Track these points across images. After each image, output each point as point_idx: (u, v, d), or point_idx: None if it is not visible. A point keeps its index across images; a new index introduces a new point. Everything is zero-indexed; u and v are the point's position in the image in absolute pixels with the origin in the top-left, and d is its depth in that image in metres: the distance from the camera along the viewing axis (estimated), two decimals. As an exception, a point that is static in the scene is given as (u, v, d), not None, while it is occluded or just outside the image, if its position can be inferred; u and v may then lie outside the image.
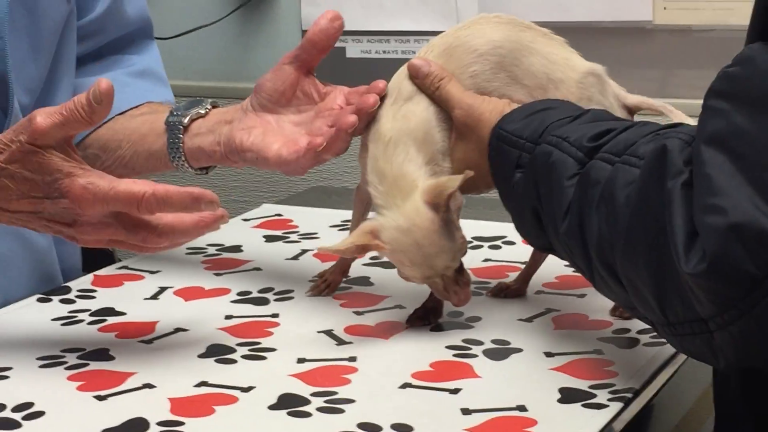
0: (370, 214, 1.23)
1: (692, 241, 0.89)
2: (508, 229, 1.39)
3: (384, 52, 2.07)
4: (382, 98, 1.22)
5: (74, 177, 1.12)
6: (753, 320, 0.87)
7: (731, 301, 0.87)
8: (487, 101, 1.20)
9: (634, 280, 0.96)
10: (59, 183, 1.12)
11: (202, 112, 1.37)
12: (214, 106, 1.38)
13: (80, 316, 1.30)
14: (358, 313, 1.28)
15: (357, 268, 1.36)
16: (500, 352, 1.17)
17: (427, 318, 1.24)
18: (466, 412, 1.04)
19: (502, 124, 1.14)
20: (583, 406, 1.04)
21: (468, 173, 1.14)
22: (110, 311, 1.31)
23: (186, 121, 1.36)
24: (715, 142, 0.89)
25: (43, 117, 1.12)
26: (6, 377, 1.14)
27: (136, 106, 1.49)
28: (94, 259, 1.55)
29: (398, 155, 1.18)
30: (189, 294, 1.37)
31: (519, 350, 1.17)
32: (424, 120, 1.20)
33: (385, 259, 1.25)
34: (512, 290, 1.32)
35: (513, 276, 1.38)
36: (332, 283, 1.33)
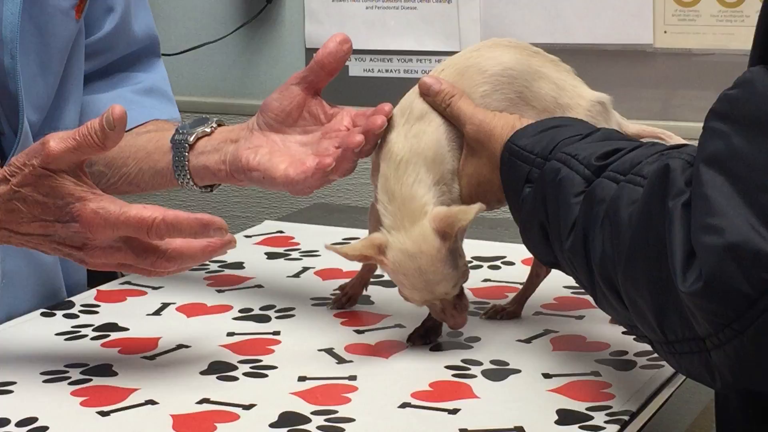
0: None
1: (690, 261, 0.90)
2: (507, 249, 1.40)
3: (387, 71, 2.08)
4: (390, 119, 1.23)
5: (85, 201, 1.14)
6: (747, 340, 0.89)
7: (726, 321, 0.89)
8: (499, 116, 1.21)
9: (634, 297, 0.97)
10: (70, 207, 1.14)
11: (208, 130, 1.37)
12: (219, 125, 1.39)
13: (83, 331, 1.32)
14: (358, 332, 1.29)
15: (358, 287, 1.37)
16: (499, 372, 1.18)
17: (427, 337, 1.25)
18: (464, 432, 1.05)
19: (514, 139, 1.16)
20: (580, 428, 1.06)
21: (482, 207, 1.15)
22: (113, 326, 1.33)
23: (191, 139, 1.37)
24: (714, 163, 0.90)
25: (56, 141, 1.13)
26: (10, 392, 1.15)
27: (142, 124, 1.50)
28: (99, 274, 1.56)
29: (409, 176, 1.19)
30: (191, 310, 1.38)
31: (517, 371, 1.19)
32: (434, 140, 1.21)
33: (387, 277, 1.27)
34: (508, 312, 1.33)
35: (511, 297, 1.39)
36: (353, 296, 1.35)
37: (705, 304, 0.89)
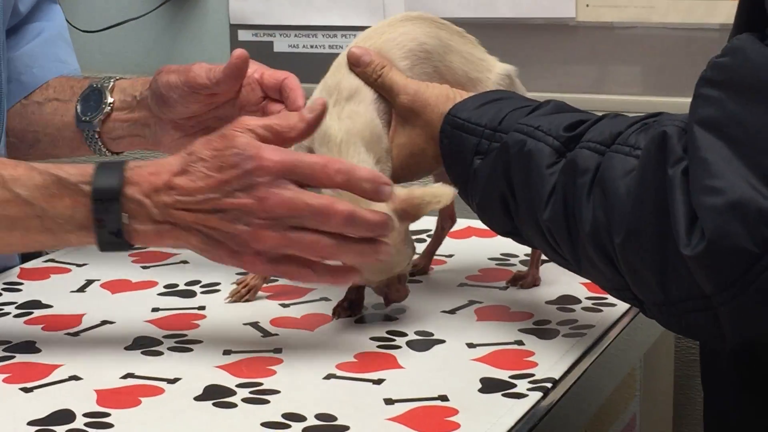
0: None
1: (693, 225, 0.93)
2: (433, 222, 1.41)
3: (312, 46, 2.08)
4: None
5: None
6: (752, 296, 0.92)
7: (731, 279, 0.92)
8: (432, 87, 1.22)
9: (635, 264, 0.99)
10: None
11: (108, 109, 1.40)
12: (113, 88, 1.41)
13: (6, 309, 1.31)
14: (284, 306, 1.30)
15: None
16: (423, 343, 1.19)
17: (351, 309, 1.26)
18: (388, 402, 1.05)
19: (455, 111, 1.17)
20: (504, 395, 1.07)
21: (455, 191, 1.15)
22: (37, 304, 1.32)
23: (96, 124, 1.40)
24: (710, 128, 0.94)
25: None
26: (-69, 370, 1.14)
27: (45, 83, 1.50)
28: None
29: (352, 158, 1.18)
30: (116, 287, 1.38)
31: (442, 341, 1.19)
32: (369, 119, 1.21)
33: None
34: (418, 269, 1.36)
35: (437, 269, 1.40)
36: (254, 287, 1.31)
37: (709, 264, 0.92)
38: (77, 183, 1.13)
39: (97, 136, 1.41)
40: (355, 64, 1.22)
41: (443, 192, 1.15)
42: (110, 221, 1.12)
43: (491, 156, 1.13)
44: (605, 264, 1.03)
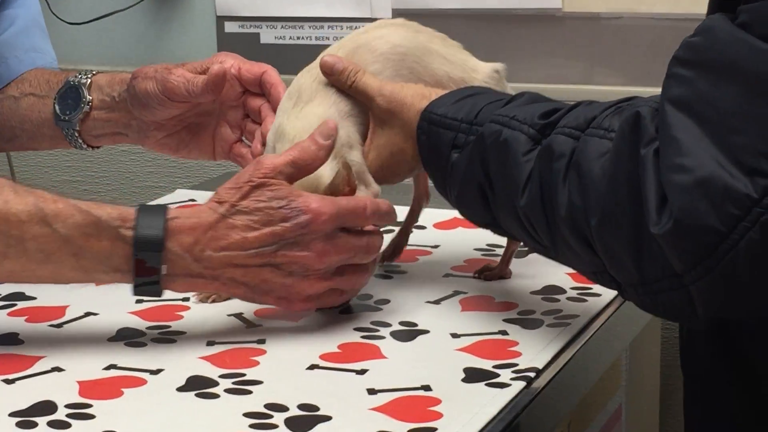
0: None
1: (663, 204, 0.94)
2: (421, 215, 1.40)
3: (298, 38, 2.07)
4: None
5: (306, 197, 1.15)
6: (720, 274, 0.92)
7: (698, 258, 0.92)
8: (407, 87, 1.23)
9: (611, 245, 0.99)
10: (294, 202, 1.14)
11: (87, 108, 1.40)
12: (90, 84, 1.41)
13: (-10, 301, 1.30)
14: (268, 297, 1.29)
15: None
16: (407, 333, 1.19)
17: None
18: (371, 392, 1.05)
19: (431, 108, 1.18)
20: (487, 385, 1.07)
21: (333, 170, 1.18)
22: (20, 296, 1.31)
23: (76, 123, 1.41)
24: (680, 107, 0.95)
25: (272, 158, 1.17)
26: None
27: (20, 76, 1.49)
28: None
29: None
30: (100, 278, 1.37)
31: (426, 332, 1.19)
32: (326, 118, 1.21)
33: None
34: (395, 247, 1.37)
35: (423, 259, 1.40)
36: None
37: (676, 242, 0.93)
38: (117, 228, 1.12)
39: (77, 134, 1.42)
40: (329, 73, 1.23)
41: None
42: (149, 270, 1.12)
43: (468, 149, 1.13)
44: (582, 247, 1.03)
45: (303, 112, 1.22)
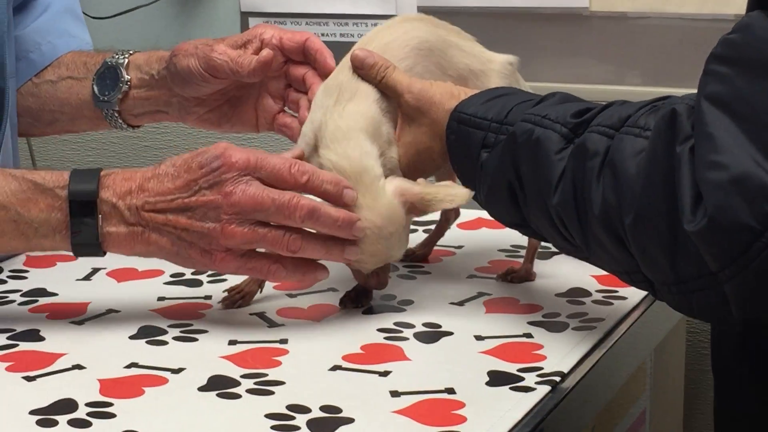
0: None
1: (698, 202, 0.93)
2: (437, 213, 1.39)
3: (323, 35, 2.06)
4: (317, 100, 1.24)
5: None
6: (754, 273, 0.92)
7: (733, 256, 0.92)
8: (436, 85, 1.22)
9: (645, 244, 0.99)
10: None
11: (126, 87, 1.39)
12: (128, 63, 1.41)
13: (11, 296, 1.30)
14: (290, 296, 1.28)
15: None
16: (431, 335, 1.18)
17: (358, 300, 1.25)
18: (395, 394, 1.04)
19: (461, 108, 1.17)
20: (511, 389, 1.05)
21: (471, 193, 1.16)
22: (42, 292, 1.31)
23: (115, 103, 1.41)
24: (717, 104, 0.94)
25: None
26: (-66, 357, 1.13)
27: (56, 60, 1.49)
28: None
29: (353, 150, 1.18)
30: (122, 275, 1.36)
31: (450, 333, 1.18)
32: (370, 116, 1.21)
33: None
34: (417, 255, 1.37)
35: (446, 260, 1.39)
36: (248, 294, 1.27)
37: (711, 239, 0.92)
38: (53, 188, 1.16)
39: (117, 114, 1.42)
40: (359, 67, 1.22)
41: (459, 192, 1.16)
42: (85, 224, 1.15)
43: (498, 148, 1.13)
44: (615, 246, 1.02)
45: (346, 111, 1.20)
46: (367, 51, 1.23)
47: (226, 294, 1.26)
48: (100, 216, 1.15)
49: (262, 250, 1.16)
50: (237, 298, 1.26)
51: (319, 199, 1.16)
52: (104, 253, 1.18)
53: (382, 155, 1.20)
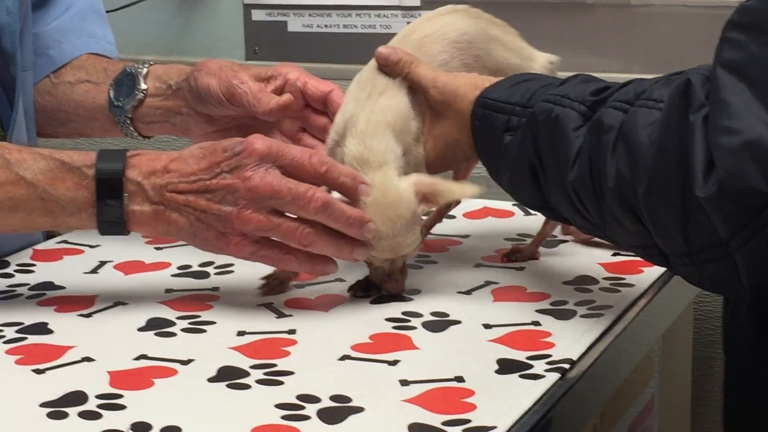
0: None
1: (710, 169, 0.94)
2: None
3: (326, 26, 2.06)
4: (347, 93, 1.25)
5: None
6: (764, 239, 0.92)
7: (744, 221, 0.92)
8: (460, 76, 1.23)
9: (658, 214, 0.99)
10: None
11: (141, 96, 1.41)
12: (147, 73, 1.42)
13: (19, 290, 1.30)
14: (298, 286, 1.28)
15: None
16: (439, 324, 1.18)
17: (369, 289, 1.25)
18: (404, 383, 1.04)
19: (486, 94, 1.18)
20: (521, 376, 1.05)
21: (475, 191, 1.18)
22: (49, 285, 1.31)
23: (129, 110, 1.43)
24: (732, 70, 0.94)
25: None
26: (-57, 351, 1.13)
27: (75, 60, 1.50)
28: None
29: (378, 145, 1.20)
30: (129, 268, 1.37)
31: (458, 322, 1.18)
32: (400, 112, 1.22)
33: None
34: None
35: (453, 249, 1.39)
36: (285, 279, 1.27)
37: (722, 205, 0.92)
38: (80, 166, 1.18)
39: (129, 121, 1.44)
40: (384, 64, 1.24)
41: (468, 189, 1.18)
42: (111, 202, 1.17)
43: (520, 130, 1.14)
44: (630, 218, 1.03)
45: (378, 105, 1.22)
46: (391, 48, 1.24)
47: (263, 282, 1.27)
48: (125, 195, 1.17)
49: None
50: (275, 284, 1.27)
51: (338, 196, 1.17)
52: (128, 232, 1.19)
53: (407, 153, 1.21)
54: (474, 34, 1.28)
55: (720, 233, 0.94)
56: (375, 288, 1.25)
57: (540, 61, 1.31)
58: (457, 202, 1.40)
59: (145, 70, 1.43)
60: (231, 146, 1.16)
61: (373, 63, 1.26)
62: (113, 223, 1.18)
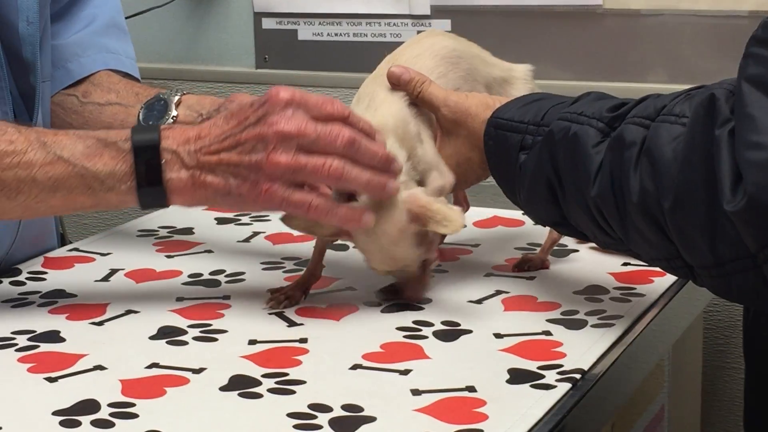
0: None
1: (738, 182, 0.94)
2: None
3: (336, 35, 2.07)
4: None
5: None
6: None
7: None
8: (471, 96, 1.24)
9: (684, 227, 1.00)
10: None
11: (171, 121, 1.42)
12: (178, 102, 1.44)
13: (30, 298, 1.30)
14: (309, 295, 1.29)
15: (308, 251, 1.36)
16: (450, 333, 1.18)
17: (396, 295, 1.25)
18: (415, 392, 1.04)
19: (498, 114, 1.19)
20: (532, 386, 1.05)
21: (463, 224, 1.17)
22: (61, 293, 1.31)
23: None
24: (757, 85, 0.95)
25: None
26: (-44, 359, 1.14)
27: (96, 76, 1.51)
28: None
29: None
30: (140, 276, 1.37)
31: (469, 332, 1.18)
32: (401, 118, 1.23)
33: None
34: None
35: (463, 258, 1.39)
36: (291, 298, 1.26)
37: (750, 219, 0.93)
38: (116, 141, 1.20)
39: None
40: (396, 83, 1.24)
41: (455, 219, 1.16)
42: (149, 171, 1.19)
43: (536, 148, 1.14)
44: (655, 233, 1.03)
45: (378, 112, 1.23)
46: (403, 67, 1.25)
47: (270, 295, 1.26)
48: (163, 161, 1.18)
49: None
50: (282, 299, 1.26)
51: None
52: (168, 204, 1.21)
53: (412, 156, 1.21)
54: (461, 50, 1.31)
55: (748, 245, 0.95)
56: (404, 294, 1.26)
57: (520, 70, 1.34)
58: (466, 208, 1.40)
59: (176, 98, 1.44)
60: (257, 100, 1.18)
61: (370, 79, 1.27)
62: (153, 195, 1.20)
